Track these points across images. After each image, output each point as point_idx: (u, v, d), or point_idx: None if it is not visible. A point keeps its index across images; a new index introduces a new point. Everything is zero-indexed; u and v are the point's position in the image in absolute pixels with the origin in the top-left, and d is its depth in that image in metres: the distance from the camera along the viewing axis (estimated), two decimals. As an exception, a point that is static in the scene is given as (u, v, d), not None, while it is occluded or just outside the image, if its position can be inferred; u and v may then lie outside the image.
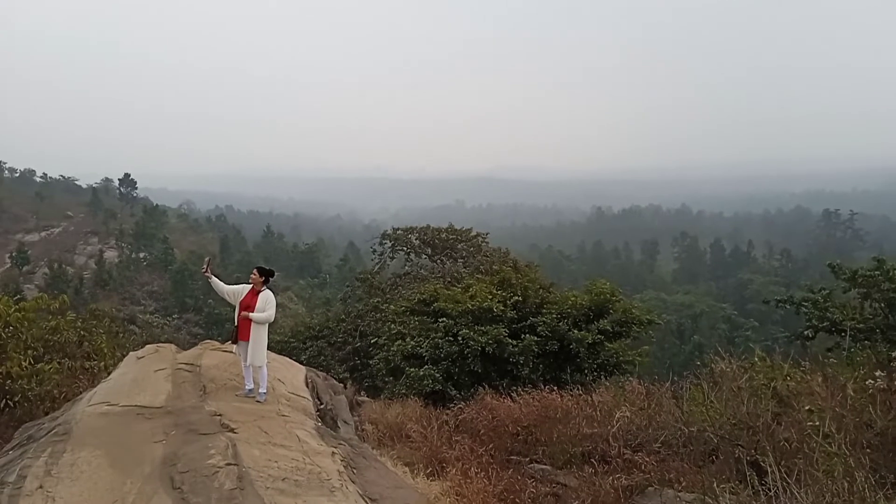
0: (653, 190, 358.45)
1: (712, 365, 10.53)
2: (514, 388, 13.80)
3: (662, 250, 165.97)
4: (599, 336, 15.87)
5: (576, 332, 15.90)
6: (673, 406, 10.00)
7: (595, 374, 15.75)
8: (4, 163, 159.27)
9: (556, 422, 10.62)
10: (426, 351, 16.71)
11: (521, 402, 11.92)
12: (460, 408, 12.96)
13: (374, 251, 35.90)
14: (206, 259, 9.18)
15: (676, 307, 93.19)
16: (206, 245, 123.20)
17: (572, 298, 17.21)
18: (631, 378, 13.13)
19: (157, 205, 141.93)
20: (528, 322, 16.69)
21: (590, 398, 11.47)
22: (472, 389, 15.04)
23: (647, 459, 8.58)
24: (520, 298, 17.44)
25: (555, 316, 16.51)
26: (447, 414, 13.10)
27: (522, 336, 16.02)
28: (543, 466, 9.31)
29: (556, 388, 12.77)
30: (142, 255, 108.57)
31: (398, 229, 35.61)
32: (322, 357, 29.76)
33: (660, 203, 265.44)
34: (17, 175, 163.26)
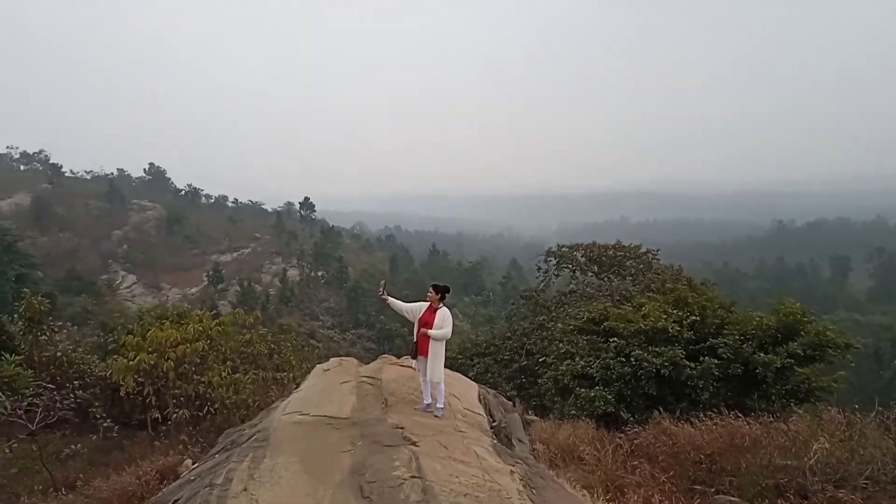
0: (841, 202, 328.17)
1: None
2: (693, 413, 13.10)
3: (855, 267, 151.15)
4: (789, 360, 14.63)
5: (762, 355, 14.79)
6: (880, 438, 9.01)
7: (784, 400, 14.55)
8: (202, 190, 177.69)
9: (744, 451, 9.94)
10: (597, 371, 16.30)
11: (702, 428, 11.27)
12: (635, 431, 12.48)
13: (539, 268, 35.60)
14: (382, 282, 9.57)
15: (873, 329, 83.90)
16: (377, 264, 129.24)
17: (757, 319, 16.06)
18: (828, 406, 11.97)
19: (332, 226, 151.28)
20: (708, 343, 15.78)
21: (782, 426, 10.61)
22: (647, 413, 14.46)
23: (853, 497, 7.83)
24: (697, 318, 16.56)
25: (737, 337, 15.50)
26: (621, 437, 12.66)
27: (701, 358, 15.17)
28: (732, 498, 8.70)
29: (740, 414, 11.94)
30: (320, 273, 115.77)
31: (563, 246, 35.10)
32: (489, 374, 29.91)
33: (849, 216, 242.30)
34: (213, 201, 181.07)
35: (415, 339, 9.24)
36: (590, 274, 33.03)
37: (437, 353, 9.06)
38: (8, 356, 18.75)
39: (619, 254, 31.87)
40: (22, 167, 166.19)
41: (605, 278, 32.08)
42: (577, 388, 16.40)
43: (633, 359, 15.63)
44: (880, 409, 10.20)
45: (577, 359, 17.42)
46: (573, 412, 16.12)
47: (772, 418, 11.52)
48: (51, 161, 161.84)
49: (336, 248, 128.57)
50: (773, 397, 14.57)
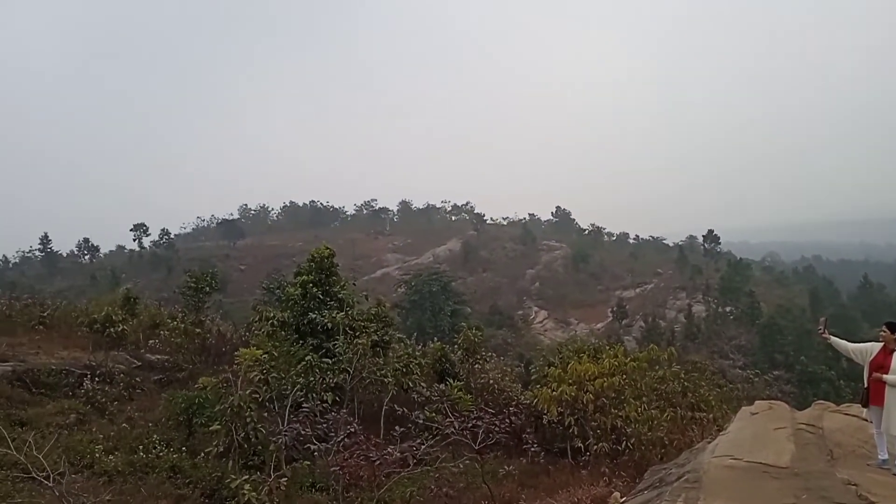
0: None
1: None
2: None
3: None
4: None
5: None
6: None
7: None
8: (604, 228, 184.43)
9: None
10: None
11: None
12: None
13: None
14: (822, 319, 8.75)
15: None
16: (794, 298, 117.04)
17: None
18: None
19: (740, 258, 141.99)
20: None
21: None
22: None
23: None
24: None
25: None
26: None
27: None
28: None
29: None
30: (727, 308, 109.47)
31: None
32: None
33: None
34: (615, 238, 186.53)
35: (866, 385, 8.11)
36: None
37: (894, 401, 7.81)
38: (452, 381, 21.87)
39: None
40: (453, 217, 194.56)
41: None
42: None
43: None
44: None
45: None
46: None
47: None
48: (475, 211, 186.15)
49: (745, 282, 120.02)
50: None
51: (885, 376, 7.80)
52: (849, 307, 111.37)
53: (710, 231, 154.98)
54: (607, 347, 21.51)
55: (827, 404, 11.28)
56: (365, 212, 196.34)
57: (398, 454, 12.58)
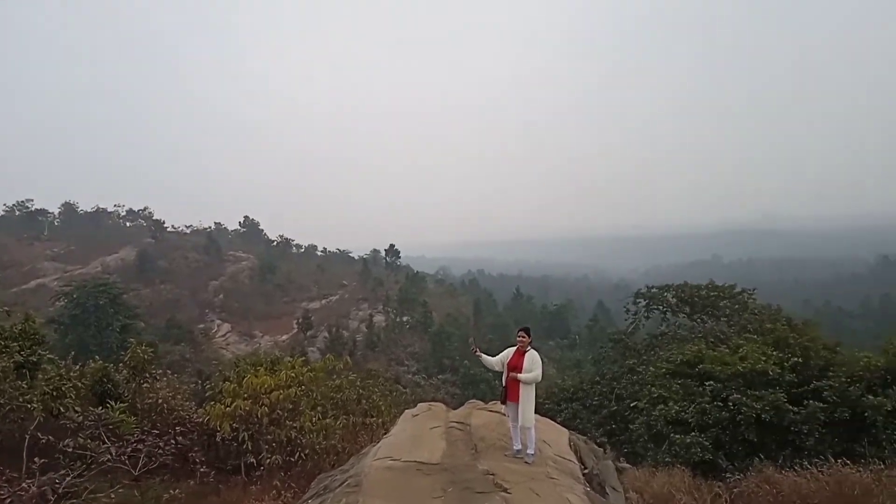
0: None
1: None
2: (797, 460, 12.43)
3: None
4: (901, 403, 13.71)
5: (871, 397, 13.94)
6: None
7: (896, 446, 13.59)
8: (292, 240, 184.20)
9: (854, 501, 9.35)
10: (692, 417, 15.72)
11: (808, 476, 10.69)
12: (736, 480, 11.94)
13: (627, 311, 34.84)
14: (470, 339, 9.63)
15: None
16: (461, 308, 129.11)
17: (864, 359, 15.17)
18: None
19: (417, 272, 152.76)
20: (811, 386, 15.00)
21: (895, 474, 9.93)
22: (747, 460, 13.85)
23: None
24: (799, 360, 15.81)
25: (844, 380, 14.69)
26: (720, 486, 12.13)
27: (805, 402, 14.42)
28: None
29: (848, 462, 11.24)
30: (405, 318, 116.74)
31: (652, 287, 34.29)
32: (577, 420, 29.25)
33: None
34: (303, 251, 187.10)
35: (503, 384, 9.22)
36: (681, 315, 32.02)
37: (527, 397, 9.00)
38: (113, 403, 19.84)
39: (712, 294, 30.79)
40: (128, 224, 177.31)
41: (698, 319, 31.00)
42: (672, 435, 15.83)
43: (731, 403, 15.05)
44: None
45: (670, 403, 16.84)
46: (667, 459, 15.56)
47: (883, 465, 10.81)
48: (154, 217, 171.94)
49: (421, 294, 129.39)
50: (885, 443, 13.63)
51: (519, 375, 8.96)
52: (504, 315, 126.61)
53: (392, 246, 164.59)
54: (287, 359, 21.41)
55: (476, 402, 12.58)
56: (17, 213, 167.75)
57: (35, 489, 10.99)
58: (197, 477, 16.27)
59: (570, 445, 10.87)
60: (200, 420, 18.86)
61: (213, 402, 18.60)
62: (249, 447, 17.38)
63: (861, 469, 10.60)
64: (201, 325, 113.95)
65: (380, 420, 18.90)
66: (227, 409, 16.88)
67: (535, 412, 9.19)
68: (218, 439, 17.78)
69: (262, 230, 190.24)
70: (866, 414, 13.88)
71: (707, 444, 14.89)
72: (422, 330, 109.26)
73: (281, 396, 17.17)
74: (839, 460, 11.33)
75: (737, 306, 29.74)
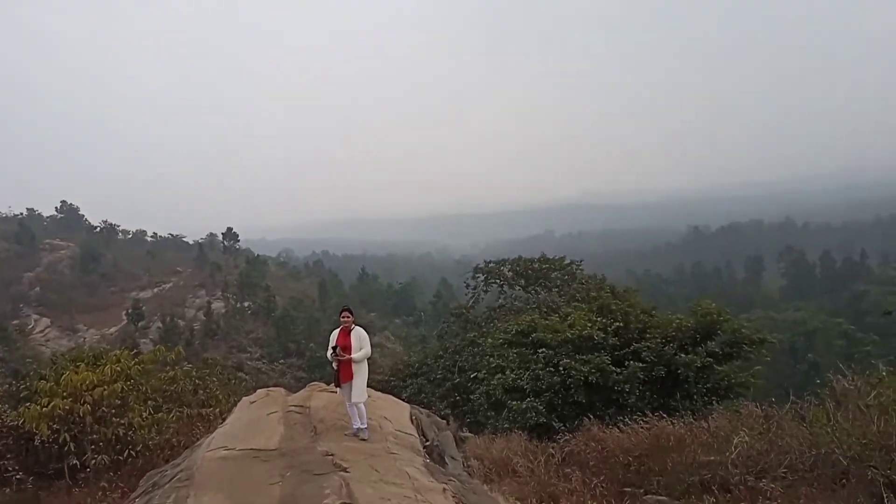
0: (752, 206, 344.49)
1: (833, 383, 9.89)
2: (621, 417, 13.36)
3: (768, 267, 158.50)
4: (708, 359, 15.18)
5: (683, 355, 15.29)
6: (796, 429, 9.40)
7: (706, 398, 15.10)
8: (118, 226, 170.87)
9: (670, 450, 10.19)
10: (527, 383, 16.45)
11: (629, 431, 11.52)
12: (566, 440, 12.64)
13: (468, 286, 35.89)
14: (337, 349, 9.01)
15: (788, 325, 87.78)
16: (305, 290, 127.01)
17: (677, 321, 16.59)
18: (746, 401, 12.44)
19: (258, 255, 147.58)
20: (632, 348, 16.19)
21: (704, 424, 10.95)
22: (577, 421, 14.67)
23: (773, 486, 8.13)
24: (621, 324, 16.98)
25: (659, 340, 15.97)
26: (553, 447, 12.79)
27: (626, 363, 15.54)
28: (661, 497, 8.90)
29: (665, 415, 12.27)
30: (246, 304, 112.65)
31: (490, 262, 35.56)
32: (423, 394, 29.80)
33: (760, 218, 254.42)
34: (130, 236, 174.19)
35: (336, 367, 9.05)
36: (517, 288, 33.49)
37: (360, 374, 8.92)
38: None
39: (544, 266, 32.44)
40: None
41: (532, 291, 32.57)
42: (510, 402, 16.49)
43: (561, 368, 15.87)
44: (795, 400, 10.61)
45: (507, 372, 17.52)
46: (506, 426, 16.23)
47: (694, 417, 11.88)
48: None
49: (262, 278, 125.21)
50: (696, 396, 15.07)
51: (353, 356, 8.84)
52: (350, 295, 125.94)
53: (230, 229, 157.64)
54: (112, 353, 19.89)
55: (317, 385, 12.33)
56: None
57: None
58: (13, 485, 14.88)
59: (412, 420, 10.95)
60: (14, 423, 17.19)
61: (28, 404, 17.00)
62: (72, 448, 16.04)
63: (675, 421, 11.57)
64: (15, 322, 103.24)
65: (217, 410, 18.12)
66: (45, 409, 15.47)
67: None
68: (36, 443, 16.29)
69: (83, 215, 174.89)
70: (679, 371, 15.21)
71: (541, 408, 15.65)
72: (265, 315, 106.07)
73: (105, 392, 15.96)
74: (657, 414, 12.29)
75: (566, 277, 31.54)
